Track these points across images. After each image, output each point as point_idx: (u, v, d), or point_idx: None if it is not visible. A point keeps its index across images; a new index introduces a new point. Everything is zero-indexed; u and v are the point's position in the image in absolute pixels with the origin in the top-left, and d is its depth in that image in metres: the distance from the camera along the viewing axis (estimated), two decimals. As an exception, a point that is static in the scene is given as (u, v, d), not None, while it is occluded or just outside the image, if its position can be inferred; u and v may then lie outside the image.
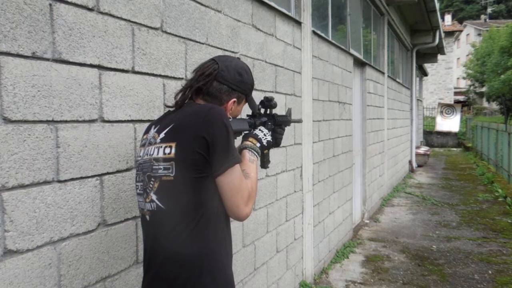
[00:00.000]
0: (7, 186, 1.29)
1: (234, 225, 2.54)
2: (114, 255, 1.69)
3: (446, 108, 22.37)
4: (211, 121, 1.23)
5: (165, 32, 1.99)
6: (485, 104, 31.87)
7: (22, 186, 1.33)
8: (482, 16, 46.83)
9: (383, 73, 7.83)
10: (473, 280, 4.16)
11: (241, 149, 1.46)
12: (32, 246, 1.37)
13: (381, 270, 4.42)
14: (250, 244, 2.85)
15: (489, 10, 49.51)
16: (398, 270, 4.43)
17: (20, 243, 1.33)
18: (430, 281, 4.14)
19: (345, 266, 4.58)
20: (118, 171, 1.71)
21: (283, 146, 3.33)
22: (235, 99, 1.44)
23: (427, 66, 22.85)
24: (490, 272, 4.35)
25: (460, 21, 44.24)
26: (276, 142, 1.64)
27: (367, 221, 6.43)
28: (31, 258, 1.36)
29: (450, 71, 32.20)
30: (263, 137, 1.51)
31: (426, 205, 7.62)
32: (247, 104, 1.54)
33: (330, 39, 4.58)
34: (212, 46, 2.38)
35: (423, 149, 14.13)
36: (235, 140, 1.34)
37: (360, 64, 6.25)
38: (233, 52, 2.60)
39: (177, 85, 2.07)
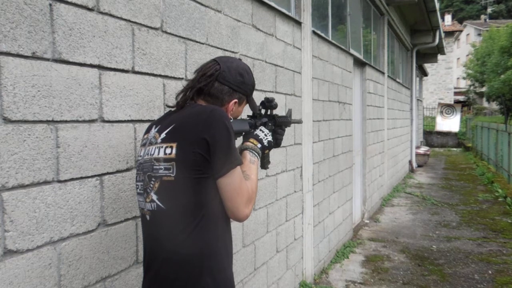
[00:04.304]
0: (7, 186, 1.29)
1: (234, 225, 2.54)
2: (114, 255, 1.69)
3: (446, 108, 22.36)
4: (213, 122, 1.23)
5: (165, 32, 1.99)
6: (485, 104, 31.86)
7: (22, 186, 1.33)
8: (482, 16, 46.81)
9: (383, 73, 7.83)
10: (473, 280, 4.15)
11: (242, 150, 1.46)
12: (32, 246, 1.37)
13: (381, 270, 4.42)
14: (250, 244, 2.85)
15: (489, 10, 49.51)
16: (398, 270, 4.43)
17: (20, 243, 1.33)
18: (430, 281, 4.14)
19: (345, 266, 4.58)
20: (118, 171, 1.71)
21: (283, 146, 3.33)
22: (236, 100, 1.44)
23: (427, 66, 22.85)
24: (490, 272, 4.35)
25: (460, 21, 44.24)
26: (276, 142, 1.64)
27: (367, 221, 6.43)
28: (31, 258, 1.36)
29: (450, 71, 32.20)
30: (263, 138, 1.51)
31: (426, 205, 7.62)
32: (247, 104, 1.54)
33: (330, 39, 4.58)
34: (212, 46, 2.38)
35: (423, 149, 14.13)
36: (235, 140, 1.34)
37: (360, 64, 6.25)
38: (233, 52, 2.60)
39: (177, 85, 2.07)
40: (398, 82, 9.95)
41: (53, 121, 1.43)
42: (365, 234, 5.79)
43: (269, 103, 1.62)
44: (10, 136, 1.30)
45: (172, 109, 1.43)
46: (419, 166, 13.05)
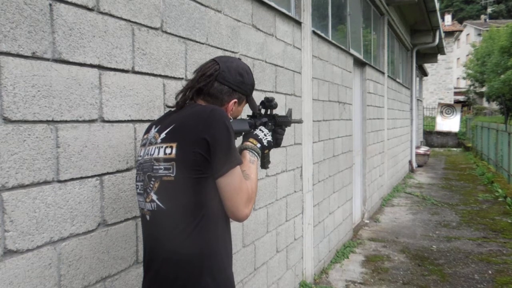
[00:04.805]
0: (7, 186, 1.29)
1: (234, 225, 2.54)
2: (114, 255, 1.69)
3: (446, 108, 22.36)
4: (213, 122, 1.24)
5: (165, 32, 1.99)
6: (485, 104, 31.85)
7: (22, 186, 1.33)
8: (482, 16, 46.81)
9: (383, 73, 7.83)
10: (473, 280, 4.15)
11: (242, 149, 1.46)
12: (32, 246, 1.37)
13: (381, 270, 4.42)
14: (250, 244, 2.85)
15: (489, 10, 49.50)
16: (398, 270, 4.43)
17: (20, 243, 1.33)
18: (430, 281, 4.14)
19: (345, 266, 4.58)
20: (118, 171, 1.71)
21: (283, 146, 3.33)
22: (235, 100, 1.44)
23: (427, 66, 22.84)
24: (490, 272, 4.35)
25: (460, 21, 44.23)
26: (276, 142, 1.64)
27: (367, 221, 6.43)
28: (31, 258, 1.36)
29: (450, 71, 32.20)
30: (263, 137, 1.51)
31: (426, 205, 7.62)
32: (247, 104, 1.54)
33: (330, 39, 4.58)
34: (212, 46, 2.38)
35: (423, 149, 14.13)
36: (235, 140, 1.34)
37: (360, 64, 6.25)
38: (233, 52, 2.60)
39: (177, 85, 2.07)
40: (398, 82, 9.95)
41: (53, 121, 1.43)
42: (365, 234, 5.79)
43: (269, 103, 1.62)
44: (10, 136, 1.30)
45: (172, 109, 1.43)
46: (419, 166, 13.05)
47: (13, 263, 1.31)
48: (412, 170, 11.97)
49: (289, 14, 3.46)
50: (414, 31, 11.44)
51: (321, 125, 4.31)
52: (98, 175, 1.62)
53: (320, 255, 4.32)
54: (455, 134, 21.59)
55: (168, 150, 1.26)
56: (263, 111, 1.65)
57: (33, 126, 1.37)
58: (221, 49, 2.47)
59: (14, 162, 1.31)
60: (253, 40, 2.85)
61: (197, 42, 2.24)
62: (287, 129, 2.34)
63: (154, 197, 1.28)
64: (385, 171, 8.11)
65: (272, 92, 3.14)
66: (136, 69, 1.81)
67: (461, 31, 36.48)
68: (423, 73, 18.92)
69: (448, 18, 36.81)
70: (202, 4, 2.28)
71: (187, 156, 1.22)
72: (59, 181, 1.46)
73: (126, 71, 1.75)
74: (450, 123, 21.84)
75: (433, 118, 24.39)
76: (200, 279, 1.24)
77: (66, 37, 1.47)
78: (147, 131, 1.43)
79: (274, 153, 3.07)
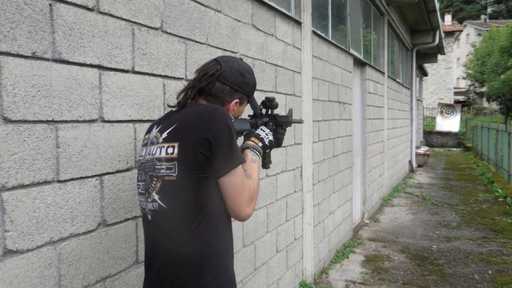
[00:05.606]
0: (7, 186, 1.29)
1: (234, 225, 2.53)
2: (114, 255, 1.69)
3: (446, 108, 22.37)
4: (215, 122, 1.23)
5: (165, 32, 1.99)
6: (485, 104, 31.86)
7: (22, 186, 1.33)
8: (482, 16, 46.81)
9: (383, 73, 7.83)
10: (473, 280, 4.15)
11: (243, 148, 1.46)
12: (32, 246, 1.36)
13: (381, 270, 4.42)
14: (250, 244, 2.85)
15: (489, 10, 49.50)
16: (398, 270, 4.43)
17: (20, 243, 1.33)
18: (430, 281, 4.14)
19: (345, 266, 4.58)
20: (118, 171, 1.71)
21: (283, 146, 3.33)
22: (237, 100, 1.44)
23: (427, 66, 22.86)
24: (490, 272, 4.35)
25: (460, 21, 44.23)
26: (277, 142, 1.65)
27: (367, 221, 6.43)
28: (31, 258, 1.36)
29: (450, 71, 32.20)
30: (265, 137, 1.51)
31: (426, 205, 7.62)
32: (248, 104, 1.54)
33: (330, 39, 4.58)
34: (212, 46, 2.38)
35: (423, 149, 14.13)
36: (237, 140, 1.34)
37: (360, 64, 6.25)
38: (233, 52, 2.60)
39: (177, 85, 2.07)
40: (398, 82, 9.95)
41: (53, 121, 1.43)
42: (365, 234, 5.79)
43: (270, 103, 1.63)
44: (10, 136, 1.30)
45: (173, 109, 1.43)
46: (419, 166, 13.05)
47: (13, 263, 1.31)
48: (412, 170, 11.97)
49: (289, 14, 3.46)
50: (414, 31, 11.44)
51: (321, 125, 4.31)
52: (98, 175, 1.62)
53: (320, 255, 4.32)
54: (455, 134, 21.60)
55: (170, 150, 1.25)
56: (264, 111, 1.66)
57: (33, 126, 1.37)
58: (221, 49, 2.47)
59: (14, 162, 1.31)
60: (253, 40, 2.85)
61: (197, 42, 2.24)
62: (288, 129, 2.33)
63: (156, 197, 1.28)
64: (385, 171, 8.11)
65: (272, 92, 3.14)
66: (136, 69, 1.80)
67: (461, 31, 36.47)
68: (423, 73, 18.92)
69: (448, 18, 36.80)
70: (202, 4, 2.27)
71: (189, 156, 1.22)
72: (59, 181, 1.46)
73: (126, 71, 1.75)
74: (450, 123, 21.85)
75: (433, 118, 24.40)
76: (201, 278, 1.24)
77: (66, 37, 1.47)
78: (149, 131, 1.42)
79: (274, 153, 3.07)
